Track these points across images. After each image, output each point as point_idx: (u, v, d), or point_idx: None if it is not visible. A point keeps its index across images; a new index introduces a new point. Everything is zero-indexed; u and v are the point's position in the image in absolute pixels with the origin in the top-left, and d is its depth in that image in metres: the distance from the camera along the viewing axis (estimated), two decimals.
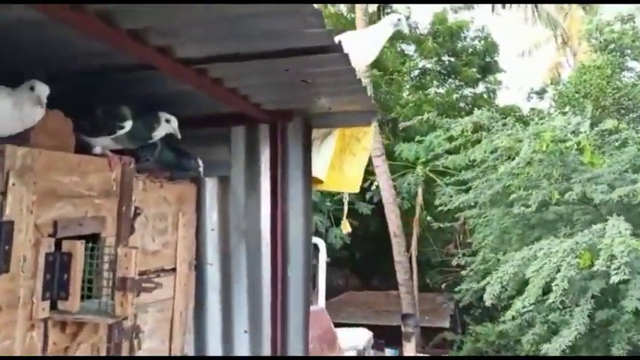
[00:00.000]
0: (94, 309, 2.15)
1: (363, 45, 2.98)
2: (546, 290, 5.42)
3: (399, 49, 17.27)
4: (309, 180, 3.25)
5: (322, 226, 12.63)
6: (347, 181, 3.52)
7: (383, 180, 12.17)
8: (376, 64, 14.65)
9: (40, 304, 2.03)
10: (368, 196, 13.06)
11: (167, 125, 2.49)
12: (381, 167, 12.06)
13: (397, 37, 16.10)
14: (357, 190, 3.61)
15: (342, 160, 3.46)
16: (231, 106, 2.87)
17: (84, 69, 2.29)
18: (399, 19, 3.10)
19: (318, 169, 3.33)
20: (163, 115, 2.48)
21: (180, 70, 2.25)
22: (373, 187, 12.17)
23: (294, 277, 3.24)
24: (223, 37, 2.05)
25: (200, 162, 2.93)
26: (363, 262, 17.30)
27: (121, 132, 2.38)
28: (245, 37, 2.05)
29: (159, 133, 2.49)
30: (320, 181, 3.38)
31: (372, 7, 14.99)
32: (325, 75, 2.49)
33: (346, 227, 4.17)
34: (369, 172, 12.47)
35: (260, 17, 1.90)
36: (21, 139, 2.03)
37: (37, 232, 2.03)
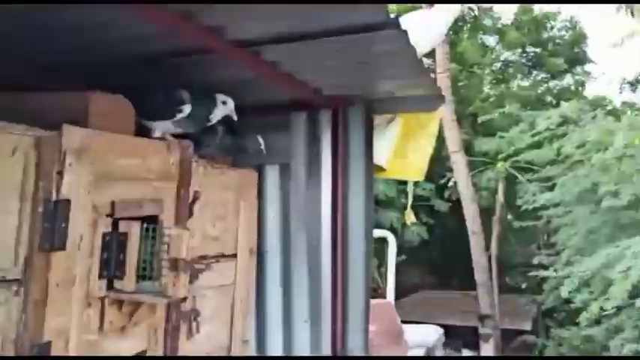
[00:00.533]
0: (150, 289, 2.18)
1: (425, 27, 2.86)
2: (634, 294, 5.04)
3: (479, 40, 16.73)
4: (371, 168, 3.17)
5: (398, 222, 12.44)
6: (411, 169, 3.41)
7: (461, 176, 11.80)
8: (455, 57, 14.27)
9: (96, 283, 2.08)
10: (446, 193, 12.75)
11: (224, 107, 2.49)
12: (459, 163, 11.69)
13: (477, 27, 15.62)
14: (421, 178, 3.49)
15: (406, 147, 3.36)
16: (290, 92, 2.84)
17: (141, 54, 2.33)
18: None
19: (381, 156, 3.24)
20: (220, 97, 2.49)
21: (233, 53, 2.24)
22: (451, 184, 11.85)
23: (355, 268, 3.17)
24: (275, 16, 2.02)
25: (261, 139, 2.92)
26: (440, 261, 16.92)
27: (180, 115, 2.41)
28: (297, 16, 2.01)
29: (216, 115, 2.50)
30: (382, 169, 3.30)
31: None
32: (384, 55, 2.40)
33: (409, 217, 4.05)
34: (447, 168, 12.17)
35: None
36: (80, 121, 2.10)
37: (94, 212, 2.08)
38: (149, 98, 2.41)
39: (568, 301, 6.72)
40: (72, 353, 1.99)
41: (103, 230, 2.10)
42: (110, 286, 2.14)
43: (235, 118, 2.52)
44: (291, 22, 2.07)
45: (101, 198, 2.10)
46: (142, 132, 2.42)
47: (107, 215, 2.13)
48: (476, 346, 10.28)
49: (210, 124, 2.52)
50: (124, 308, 2.21)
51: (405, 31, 2.18)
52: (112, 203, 2.15)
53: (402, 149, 3.37)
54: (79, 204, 2.00)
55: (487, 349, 9.66)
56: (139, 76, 2.43)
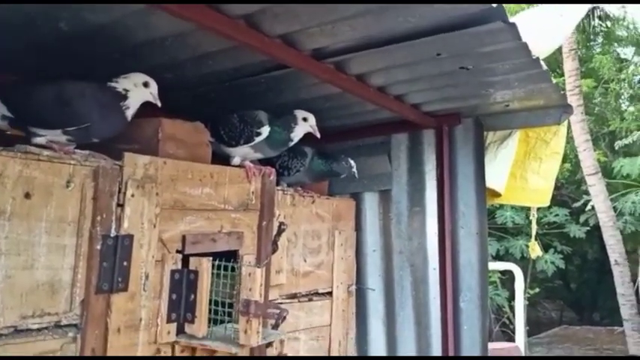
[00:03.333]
0: (221, 335, 1.93)
1: (545, 26, 2.42)
2: None
3: (614, 54, 15.28)
4: (483, 193, 2.74)
5: (527, 251, 11.48)
6: (532, 194, 2.91)
7: (599, 200, 10.65)
8: (588, 73, 13.13)
9: (165, 327, 1.87)
10: (582, 218, 11.59)
11: (305, 124, 2.23)
12: (597, 186, 10.57)
13: (610, 39, 14.31)
14: (546, 203, 2.98)
15: (526, 167, 2.88)
16: (386, 110, 2.52)
17: (214, 76, 2.14)
18: None
19: (495, 179, 2.80)
20: (300, 113, 2.24)
21: (312, 65, 1.98)
22: (588, 208, 10.74)
23: (468, 308, 2.73)
24: (352, 15, 1.72)
25: (352, 162, 2.62)
26: (579, 293, 15.43)
27: (258, 138, 2.19)
28: (379, 15, 1.70)
29: (298, 134, 2.24)
30: (497, 194, 2.85)
31: None
32: (491, 56, 2.01)
33: (535, 250, 3.50)
34: (583, 191, 11.08)
35: None
36: (148, 149, 1.93)
37: (162, 247, 1.89)
38: (224, 122, 2.21)
39: None
40: None
41: (172, 268, 1.90)
42: (181, 330, 1.93)
43: (318, 135, 2.25)
44: (375, 23, 1.75)
45: (170, 232, 1.91)
46: (219, 159, 2.22)
47: (177, 251, 1.93)
48: None
49: (291, 143, 2.27)
50: (197, 354, 1.98)
51: (514, 24, 1.79)
52: (183, 237, 1.96)
53: (520, 170, 2.90)
54: (144, 239, 1.81)
55: None
56: (212, 100, 2.25)
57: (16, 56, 1.89)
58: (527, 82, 2.29)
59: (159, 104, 1.82)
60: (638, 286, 11.29)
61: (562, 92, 2.54)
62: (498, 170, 2.81)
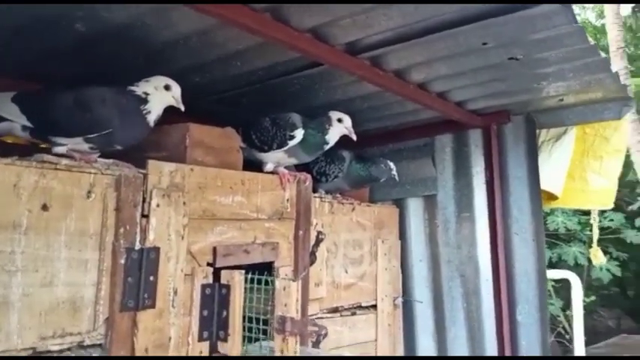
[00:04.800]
0: (256, 354, 1.79)
1: None
2: None
3: None
4: (538, 196, 2.52)
5: (583, 258, 10.96)
6: (594, 195, 2.67)
7: None
8: (637, 72, 12.53)
9: (195, 346, 1.74)
10: (638, 222, 11.01)
11: (340, 125, 2.09)
12: None
13: None
14: (609, 205, 2.73)
15: (585, 167, 2.65)
16: (428, 109, 2.35)
17: (244, 78, 2.02)
18: None
19: (551, 180, 2.59)
20: (335, 115, 2.09)
21: (346, 61, 1.83)
22: None
23: (526, 320, 2.52)
24: (389, 8, 1.57)
25: (391, 164, 2.46)
26: (637, 301, 14.68)
27: (292, 142, 2.05)
28: (418, 2, 1.55)
29: (333, 136, 2.10)
30: (554, 197, 2.62)
31: (626, 8, 12.89)
32: (543, 44, 1.82)
33: (597, 257, 3.23)
34: (638, 194, 10.53)
35: None
36: (176, 156, 1.83)
37: (191, 260, 1.77)
38: (255, 126, 2.09)
39: None
40: None
41: (202, 282, 1.78)
42: (213, 349, 1.80)
43: (354, 137, 2.10)
44: (413, 10, 1.59)
45: (199, 244, 1.79)
46: (252, 165, 2.09)
47: (207, 264, 1.81)
48: None
49: (327, 147, 2.12)
50: None
51: (570, 6, 1.60)
52: (214, 249, 1.83)
53: (580, 171, 2.67)
54: (171, 252, 1.69)
55: None
56: (242, 103, 2.13)
57: (34, 64, 1.83)
58: (584, 72, 2.08)
59: (182, 108, 1.72)
60: None
61: (623, 84, 2.31)
62: (554, 171, 2.60)
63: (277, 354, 1.71)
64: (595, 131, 2.64)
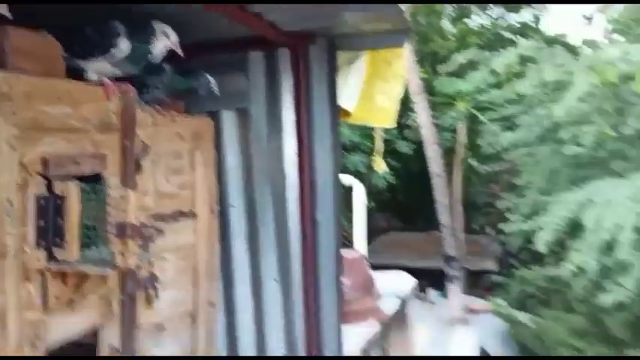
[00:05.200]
0: (95, 258, 1.91)
1: None
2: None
3: None
4: (336, 112, 2.91)
5: (364, 166, 12.24)
6: (379, 114, 3.15)
7: (422, 117, 11.59)
8: None
9: (33, 254, 1.80)
10: (408, 135, 12.59)
11: (165, 39, 2.16)
12: (420, 104, 11.48)
13: None
14: (392, 124, 3.24)
15: (374, 88, 3.10)
16: (243, 26, 2.52)
17: None
18: None
19: (346, 99, 2.98)
20: (159, 27, 2.15)
21: None
22: (411, 123, 11.69)
23: (324, 220, 2.95)
24: None
25: (210, 78, 2.60)
26: (405, 204, 16.95)
27: (115, 51, 2.08)
28: None
29: (158, 49, 2.16)
30: (348, 114, 3.04)
31: None
32: None
33: (380, 166, 3.79)
34: (409, 108, 11.96)
35: None
36: None
37: (23, 171, 1.77)
38: (77, 34, 2.06)
39: (531, 241, 6.72)
40: (13, 335, 1.73)
41: (36, 193, 1.81)
42: (51, 257, 1.87)
43: (181, 52, 2.20)
44: None
45: (30, 154, 1.80)
46: (75, 75, 2.08)
47: (39, 174, 1.83)
48: (441, 287, 10.36)
49: (152, 59, 2.18)
50: (70, 280, 1.94)
51: None
52: (44, 160, 1.85)
53: (369, 91, 3.10)
54: (3, 162, 1.70)
55: (454, 290, 9.75)
56: (67, 13, 2.08)
57: None
58: (378, 6, 2.44)
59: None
60: (453, 195, 12.73)
61: (404, 17, 2.73)
62: (349, 90, 2.99)
63: (118, 257, 1.85)
64: (382, 57, 3.08)
